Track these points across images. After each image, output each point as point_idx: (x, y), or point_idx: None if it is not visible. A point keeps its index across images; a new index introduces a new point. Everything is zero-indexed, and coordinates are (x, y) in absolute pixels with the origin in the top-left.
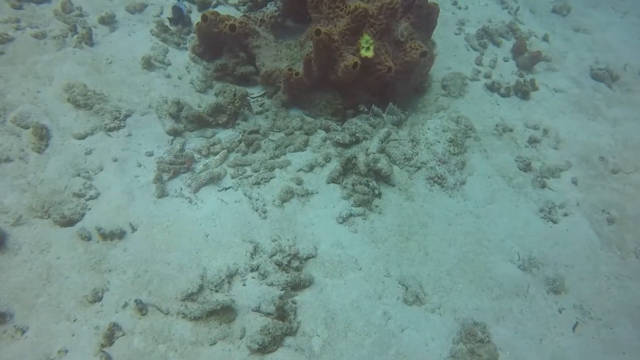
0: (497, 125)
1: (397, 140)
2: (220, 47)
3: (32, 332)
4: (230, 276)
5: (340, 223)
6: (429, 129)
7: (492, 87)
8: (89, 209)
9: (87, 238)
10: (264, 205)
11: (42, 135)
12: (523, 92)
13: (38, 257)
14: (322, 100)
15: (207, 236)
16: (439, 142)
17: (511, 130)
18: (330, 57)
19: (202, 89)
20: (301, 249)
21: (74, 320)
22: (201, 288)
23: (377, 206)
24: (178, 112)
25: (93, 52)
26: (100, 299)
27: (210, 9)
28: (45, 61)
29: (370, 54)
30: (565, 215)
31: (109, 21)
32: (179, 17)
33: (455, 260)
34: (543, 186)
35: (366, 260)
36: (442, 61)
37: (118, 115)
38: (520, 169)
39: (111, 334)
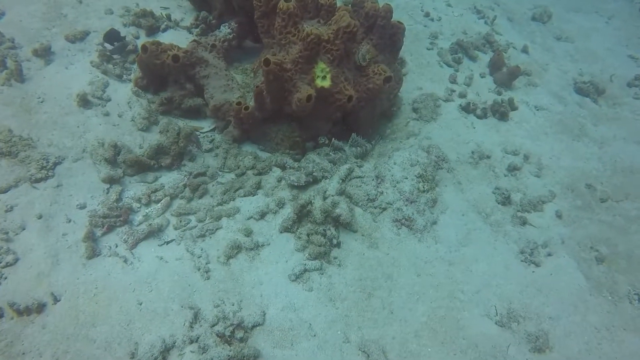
0: (472, 152)
1: (360, 177)
2: (165, 78)
3: None
4: (166, 351)
5: (293, 281)
6: (395, 163)
7: (467, 108)
8: (5, 278)
9: (0, 315)
10: (207, 264)
11: None
12: (501, 112)
13: None
14: (279, 134)
15: (140, 304)
16: (407, 178)
17: (488, 157)
18: (282, 87)
19: (145, 126)
20: (247, 316)
21: None
22: None
23: (335, 258)
24: (115, 156)
25: (23, 89)
26: None
27: (151, 39)
28: None
29: (327, 83)
30: (549, 255)
31: (43, 53)
32: (117, 41)
33: (424, 319)
34: (524, 223)
35: (322, 325)
36: (413, 80)
37: (45, 164)
38: (498, 203)
39: None
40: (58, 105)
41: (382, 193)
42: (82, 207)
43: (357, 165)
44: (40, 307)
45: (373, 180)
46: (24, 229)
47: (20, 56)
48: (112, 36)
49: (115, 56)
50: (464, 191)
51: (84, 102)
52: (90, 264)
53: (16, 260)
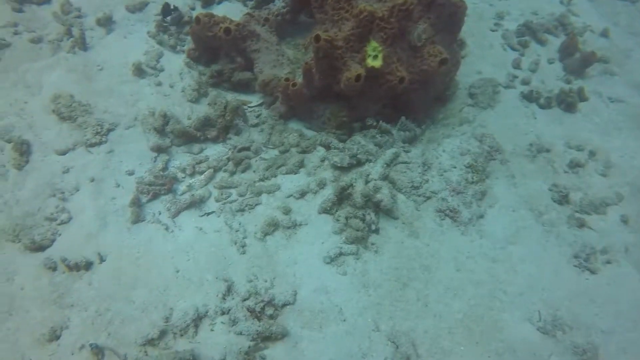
0: (531, 144)
1: (405, 163)
2: (217, 51)
3: None
4: (199, 319)
5: (327, 263)
6: (444, 151)
7: (529, 96)
8: (60, 235)
9: (53, 268)
10: (243, 238)
11: (23, 151)
12: (568, 103)
13: (3, 286)
14: (326, 112)
15: (177, 272)
16: (455, 167)
17: (548, 150)
18: (332, 65)
19: (194, 98)
20: (278, 294)
21: None
22: (163, 333)
23: (373, 244)
24: (164, 126)
25: (85, 57)
26: (58, 338)
27: (205, 11)
28: (37, 69)
29: (378, 63)
30: (608, 263)
31: (105, 22)
32: (168, 13)
33: (459, 316)
34: (581, 225)
35: (352, 310)
36: (473, 63)
37: (100, 130)
38: (554, 201)
39: None
40: (115, 73)
41: (427, 181)
42: (131, 173)
43: (404, 150)
44: (88, 265)
45: (419, 167)
46: (77, 190)
47: (84, 25)
48: (166, 11)
49: (171, 27)
50: (516, 185)
51: (139, 71)
52: (134, 229)
53: (70, 219)
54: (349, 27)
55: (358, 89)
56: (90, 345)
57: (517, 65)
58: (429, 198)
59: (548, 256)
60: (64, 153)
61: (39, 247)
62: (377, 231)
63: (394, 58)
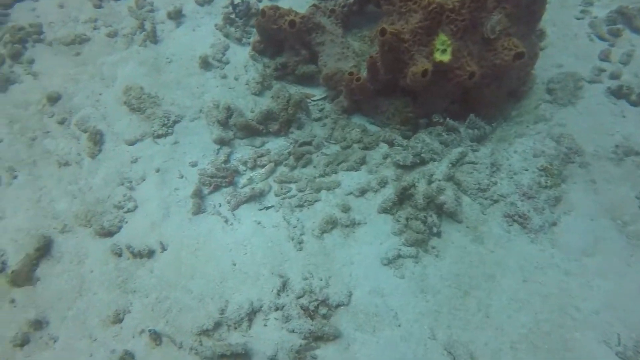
0: (617, 146)
1: (472, 163)
2: (282, 43)
3: (60, 344)
4: (253, 313)
5: (384, 265)
6: (515, 151)
7: (618, 92)
8: (126, 222)
9: (119, 254)
10: (301, 235)
11: (97, 141)
12: None
13: (75, 269)
14: (390, 107)
15: (234, 265)
16: (527, 170)
17: (638, 153)
18: (398, 59)
19: (258, 91)
20: (333, 294)
21: (94, 340)
22: (217, 325)
23: (434, 247)
24: (227, 118)
25: (156, 50)
26: (121, 321)
27: (270, 3)
28: (111, 62)
29: (446, 57)
30: None
31: (175, 16)
32: (234, 7)
33: (524, 330)
34: None
35: (409, 315)
36: (553, 56)
37: (167, 122)
38: None
39: None
40: (183, 66)
41: (495, 183)
42: (194, 164)
43: (472, 150)
44: (150, 253)
45: (487, 168)
46: (144, 180)
47: (156, 19)
48: (234, 4)
49: (238, 20)
50: (597, 192)
51: (205, 64)
52: (195, 220)
53: (136, 207)
54: (416, 20)
55: (424, 84)
56: (150, 330)
57: (605, 58)
58: (496, 202)
59: (632, 272)
60: (132, 143)
61: (107, 233)
62: (438, 234)
63: (464, 52)
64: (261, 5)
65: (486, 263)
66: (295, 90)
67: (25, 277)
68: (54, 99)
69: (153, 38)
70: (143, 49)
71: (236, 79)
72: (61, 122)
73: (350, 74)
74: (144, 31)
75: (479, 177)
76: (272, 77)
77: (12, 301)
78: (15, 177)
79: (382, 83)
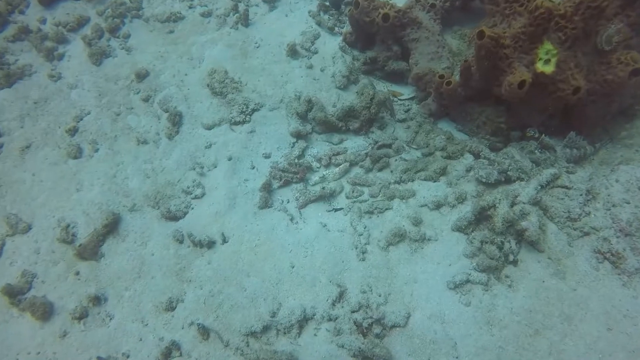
0: None
1: (565, 187)
2: (373, 37)
3: (114, 323)
4: (304, 320)
5: (450, 289)
6: (617, 180)
7: None
8: (192, 208)
9: (180, 241)
10: (365, 244)
11: (175, 122)
12: None
13: (137, 249)
14: (481, 116)
15: (292, 267)
16: (629, 203)
17: None
18: (495, 66)
19: (343, 85)
20: (390, 312)
21: (145, 325)
22: (266, 328)
23: (507, 276)
24: (307, 111)
25: (246, 33)
26: (173, 309)
27: None
28: (201, 42)
29: (549, 69)
30: None
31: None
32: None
33: None
34: None
35: (469, 348)
36: None
37: (245, 109)
38: None
39: (169, 352)
40: (270, 52)
41: (588, 214)
42: (267, 156)
43: (567, 172)
44: (211, 244)
45: (582, 195)
46: (215, 167)
47: (251, 1)
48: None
49: (332, 8)
50: None
51: (293, 52)
52: (260, 214)
53: (203, 194)
54: (520, 24)
55: (521, 96)
56: (198, 324)
57: None
58: (587, 234)
59: None
60: (210, 128)
61: (173, 217)
62: (515, 263)
63: (571, 63)
64: None
65: (565, 302)
66: (382, 87)
67: (91, 251)
68: (142, 75)
69: (245, 21)
70: (234, 31)
71: (322, 70)
72: (145, 100)
73: (441, 76)
74: (237, 13)
75: (570, 205)
76: (360, 71)
77: (77, 273)
78: (96, 151)
79: (475, 89)
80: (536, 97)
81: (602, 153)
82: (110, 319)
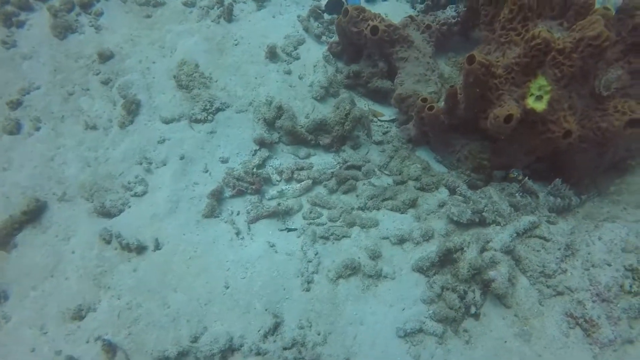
0: None
1: (543, 239)
2: (360, 50)
3: (9, 327)
4: (229, 351)
5: (400, 337)
6: (600, 238)
7: None
8: (129, 207)
9: (107, 241)
10: (313, 273)
11: (131, 110)
12: None
13: (57, 244)
14: (464, 149)
15: (227, 288)
16: (610, 265)
17: None
18: (483, 96)
19: (320, 96)
20: (325, 356)
21: (44, 333)
22: (183, 354)
23: (466, 331)
24: (276, 119)
25: (227, 29)
26: (81, 318)
27: (358, 4)
28: (178, 31)
29: (540, 106)
30: None
31: None
32: (337, 9)
33: None
34: None
35: None
36: None
37: (209, 107)
38: None
39: None
40: (248, 51)
41: (565, 271)
42: (224, 161)
43: (548, 221)
44: (141, 249)
45: (560, 249)
46: (164, 165)
47: None
48: (333, 5)
49: (324, 14)
50: None
51: (272, 54)
52: (203, 223)
53: (144, 193)
54: (515, 54)
55: (507, 131)
56: (105, 340)
57: None
58: (560, 294)
59: None
60: (167, 122)
61: (106, 214)
62: (476, 316)
63: (565, 104)
64: (349, 4)
65: None
66: (363, 104)
67: (2, 240)
68: (105, 56)
69: (228, 16)
70: (215, 25)
71: (300, 78)
72: (105, 83)
73: (424, 100)
74: (221, 7)
75: (546, 258)
76: (342, 84)
77: None
78: (38, 129)
79: (459, 119)
80: (524, 136)
81: (588, 206)
82: (6, 321)
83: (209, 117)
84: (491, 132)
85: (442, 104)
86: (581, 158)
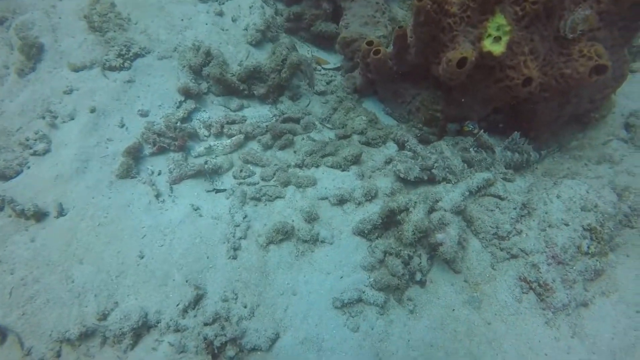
0: None
1: (498, 197)
2: None
3: None
4: (143, 328)
5: (337, 307)
6: (558, 196)
7: None
8: (28, 167)
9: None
10: (240, 238)
11: (32, 55)
12: None
13: None
14: (415, 100)
15: (141, 257)
16: (567, 225)
17: None
18: (436, 38)
19: (256, 40)
20: (252, 331)
21: None
22: (89, 334)
23: (410, 299)
24: (203, 66)
25: None
26: None
27: None
28: None
29: (498, 49)
30: None
31: None
32: None
33: None
34: None
35: None
36: None
37: (125, 53)
38: None
39: None
40: None
41: (520, 232)
42: (144, 114)
43: (504, 179)
44: (40, 216)
45: (516, 208)
46: (72, 119)
47: None
48: None
49: None
50: None
51: None
52: (117, 185)
53: (46, 151)
54: None
55: (460, 77)
56: None
57: None
58: (514, 257)
59: None
60: (77, 70)
61: (1, 176)
62: (422, 283)
63: (525, 48)
64: None
65: (475, 338)
66: (307, 51)
67: None
68: None
69: None
70: None
71: (234, 21)
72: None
73: (369, 43)
74: None
75: (500, 219)
76: (282, 28)
77: None
78: None
79: (410, 65)
80: (480, 83)
81: (548, 162)
82: None
83: (126, 64)
84: (444, 79)
85: (390, 48)
86: (542, 109)
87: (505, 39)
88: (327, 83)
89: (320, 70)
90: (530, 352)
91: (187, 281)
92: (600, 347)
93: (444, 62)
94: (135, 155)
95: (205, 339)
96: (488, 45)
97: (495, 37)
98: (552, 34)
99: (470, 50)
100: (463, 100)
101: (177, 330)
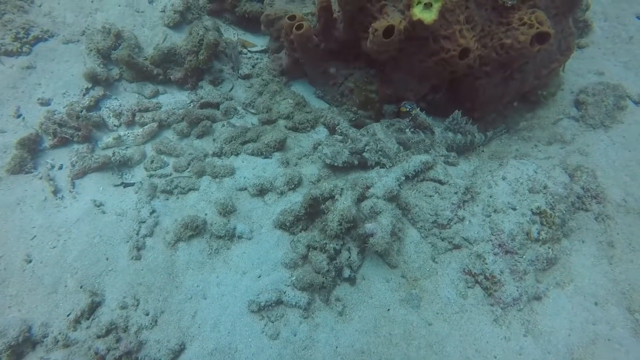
0: None
1: (438, 181)
2: None
3: None
4: (28, 344)
5: (254, 311)
6: (504, 178)
7: None
8: None
9: None
10: (145, 236)
11: None
12: None
13: None
14: (349, 80)
15: (29, 262)
16: (514, 209)
17: None
18: (363, 9)
19: (174, 22)
20: (153, 343)
21: None
22: None
23: (339, 300)
24: (112, 49)
25: None
26: None
27: None
28: None
29: (429, 17)
30: None
31: None
32: None
33: None
34: None
35: None
36: (594, 59)
37: (24, 36)
38: None
39: None
40: None
41: (462, 219)
42: (45, 103)
43: (445, 161)
44: None
45: (457, 193)
46: None
47: None
48: None
49: None
50: (614, 261)
51: None
52: (8, 181)
53: None
54: None
55: (389, 50)
56: None
57: None
58: (457, 247)
59: None
60: None
61: None
62: (352, 281)
63: (460, 16)
64: None
65: (414, 342)
66: (232, 34)
67: None
68: None
69: None
70: None
71: (150, 2)
72: None
73: (291, 17)
74: None
75: (439, 205)
76: (205, 10)
77: None
78: None
79: (339, 42)
80: (414, 57)
81: (495, 145)
82: None
83: (24, 49)
84: (372, 52)
85: (314, 23)
86: (484, 85)
87: (437, 5)
88: (253, 66)
89: (246, 54)
90: (478, 354)
91: (81, 287)
92: (557, 345)
93: (370, 34)
94: (31, 147)
95: (96, 353)
96: (418, 12)
97: (425, 4)
98: (490, 2)
99: (398, 19)
100: (398, 77)
101: (66, 346)
